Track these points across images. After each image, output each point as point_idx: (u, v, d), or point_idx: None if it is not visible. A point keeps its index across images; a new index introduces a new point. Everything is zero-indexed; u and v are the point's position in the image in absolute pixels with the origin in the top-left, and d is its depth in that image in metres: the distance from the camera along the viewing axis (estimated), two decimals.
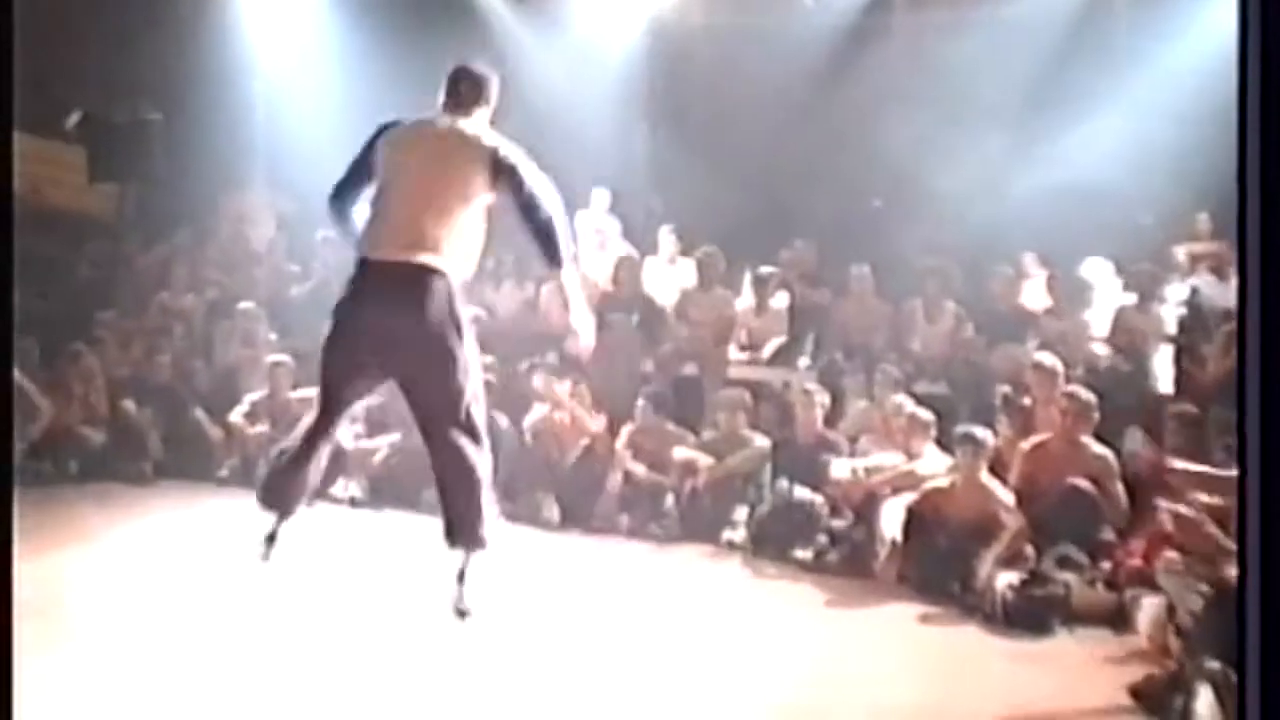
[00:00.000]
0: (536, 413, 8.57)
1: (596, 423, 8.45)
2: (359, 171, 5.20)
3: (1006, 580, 6.03)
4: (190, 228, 11.87)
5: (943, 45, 10.62)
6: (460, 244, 4.98)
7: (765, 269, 9.84)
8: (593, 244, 10.62)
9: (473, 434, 4.98)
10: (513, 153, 5.06)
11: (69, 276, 11.17)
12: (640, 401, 8.41)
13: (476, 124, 5.21)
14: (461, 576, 5.07)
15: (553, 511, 8.04)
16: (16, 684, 2.25)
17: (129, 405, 9.44)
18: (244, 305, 10.29)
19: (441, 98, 5.32)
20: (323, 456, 5.46)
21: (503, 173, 4.98)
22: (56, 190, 11.45)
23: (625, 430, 8.33)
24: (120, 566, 6.25)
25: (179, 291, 10.96)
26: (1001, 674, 5.18)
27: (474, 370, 4.98)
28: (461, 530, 5.09)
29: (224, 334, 10.36)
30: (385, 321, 4.88)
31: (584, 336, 5.22)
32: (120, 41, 11.19)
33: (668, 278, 10.43)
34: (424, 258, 4.83)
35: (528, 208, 5.00)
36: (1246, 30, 2.32)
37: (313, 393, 9.00)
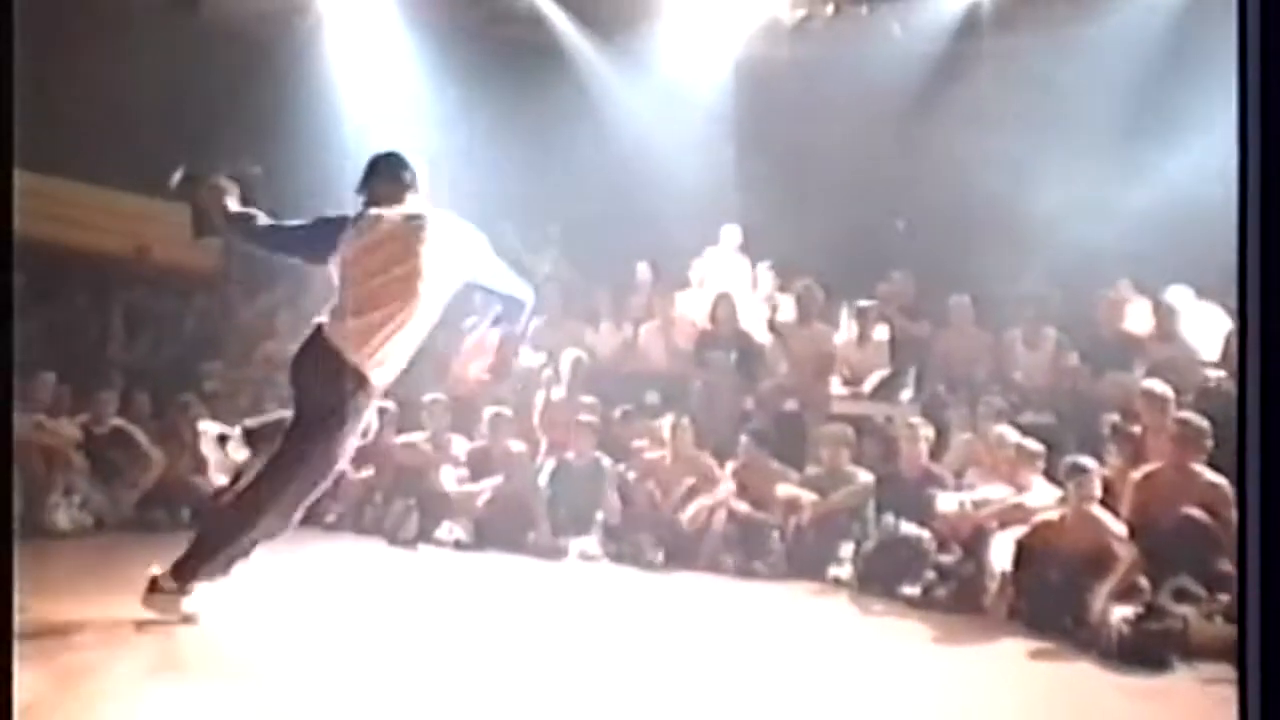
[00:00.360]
0: (638, 453, 8.59)
1: (700, 462, 8.44)
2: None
3: (1121, 614, 5.89)
4: (292, 278, 12.07)
5: (1035, 68, 10.49)
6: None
7: (864, 302, 9.80)
8: (720, 284, 10.64)
9: None
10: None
11: (177, 330, 11.43)
12: (742, 439, 8.39)
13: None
14: None
15: (657, 552, 8.03)
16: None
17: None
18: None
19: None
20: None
21: None
22: (162, 247, 11.73)
23: (728, 468, 8.31)
24: (231, 609, 6.33)
25: (284, 341, 11.12)
26: (1117, 711, 5.06)
27: None
28: None
29: None
30: None
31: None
32: (218, 99, 11.44)
33: (765, 314, 10.42)
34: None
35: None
36: (1246, 29, 2.28)
37: (418, 438, 9.18)
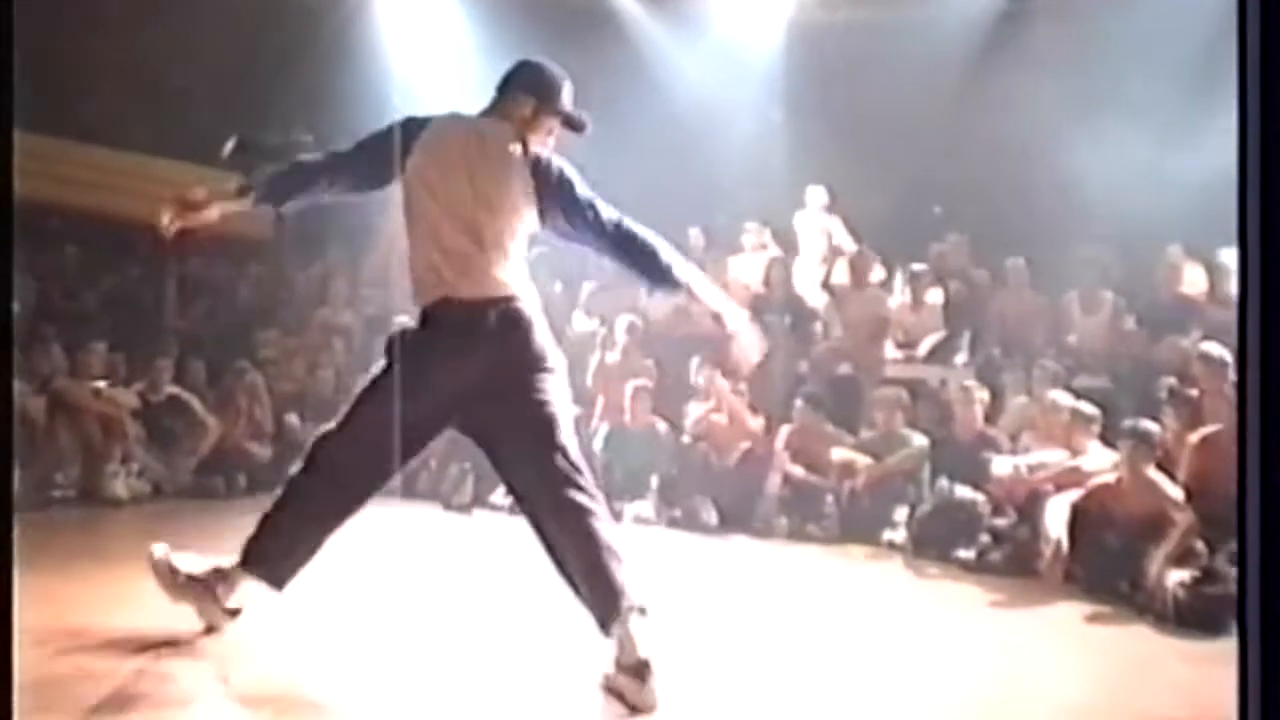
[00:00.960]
0: (696, 413, 8.60)
1: (755, 424, 8.43)
2: (371, 164, 4.74)
3: (1178, 578, 5.85)
4: (346, 245, 12.15)
5: (1092, 26, 10.36)
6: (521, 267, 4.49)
7: (917, 265, 9.74)
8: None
9: (581, 486, 4.31)
10: (565, 166, 4.59)
11: (232, 298, 11.54)
12: (798, 403, 8.37)
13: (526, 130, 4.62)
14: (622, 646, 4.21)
15: (711, 515, 8.04)
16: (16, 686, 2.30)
17: (293, 420, 9.71)
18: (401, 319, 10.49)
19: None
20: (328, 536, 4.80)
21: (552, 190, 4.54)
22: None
23: (783, 432, 8.30)
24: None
25: (338, 308, 11.21)
26: (1175, 675, 5.02)
27: (565, 413, 4.39)
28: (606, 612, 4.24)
29: (383, 349, 10.56)
30: (456, 374, 4.41)
31: (745, 340, 4.70)
32: (268, 68, 11.49)
33: (819, 277, 10.38)
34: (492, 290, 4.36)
35: (602, 227, 4.57)
36: (1246, 30, 2.25)
37: None
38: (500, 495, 8.64)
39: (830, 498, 7.93)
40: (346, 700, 4.28)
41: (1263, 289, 2.19)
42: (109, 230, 11.05)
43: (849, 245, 10.59)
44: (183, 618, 4.80)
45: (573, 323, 10.13)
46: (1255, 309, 2.19)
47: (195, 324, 11.26)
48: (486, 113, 4.70)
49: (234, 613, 4.77)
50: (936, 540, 7.28)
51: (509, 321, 4.34)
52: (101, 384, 9.10)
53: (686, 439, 8.55)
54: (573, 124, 4.82)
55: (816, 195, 10.86)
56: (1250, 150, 2.24)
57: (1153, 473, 6.39)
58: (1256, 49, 2.22)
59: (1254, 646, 2.24)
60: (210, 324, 11.28)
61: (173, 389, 9.53)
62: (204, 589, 4.72)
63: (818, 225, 10.85)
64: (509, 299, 4.36)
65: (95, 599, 5.37)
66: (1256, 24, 2.22)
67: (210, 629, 4.72)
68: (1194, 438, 6.64)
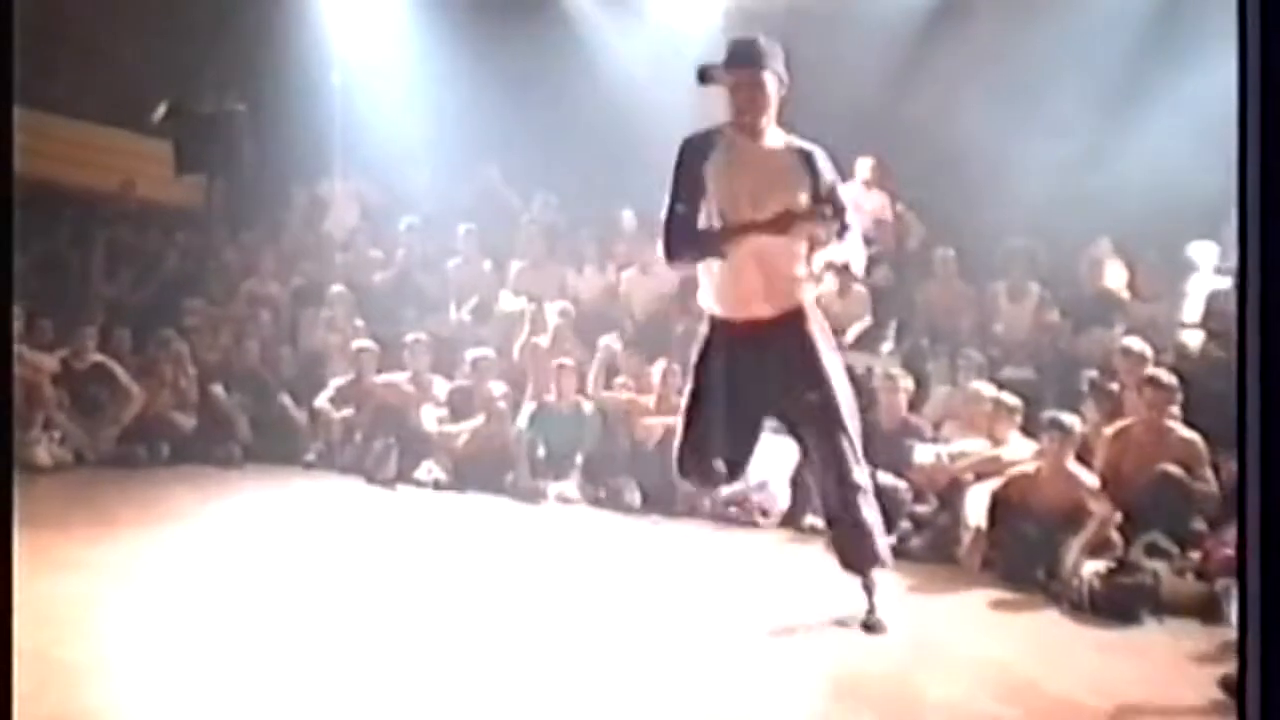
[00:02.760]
0: (621, 396, 8.62)
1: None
2: (689, 199, 5.07)
3: (1093, 568, 5.94)
4: (275, 216, 12.05)
5: (1033, 17, 10.43)
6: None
7: None
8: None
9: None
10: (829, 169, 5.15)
11: (159, 266, 11.39)
12: None
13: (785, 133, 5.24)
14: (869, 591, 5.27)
15: (635, 495, 8.06)
16: (15, 675, 2.29)
17: (218, 391, 9.63)
18: (333, 290, 10.45)
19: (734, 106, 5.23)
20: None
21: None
22: (146, 183, 11.68)
23: None
24: (211, 546, 6.37)
25: (265, 279, 11.12)
26: (1087, 662, 5.11)
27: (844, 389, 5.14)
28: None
29: (309, 321, 10.52)
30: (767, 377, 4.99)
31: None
32: (202, 35, 11.35)
33: None
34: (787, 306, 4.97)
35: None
36: (1246, 28, 2.29)
37: (399, 378, 9.20)
38: (424, 471, 8.64)
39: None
40: (264, 668, 4.27)
41: (1263, 288, 2.22)
42: (35, 195, 10.87)
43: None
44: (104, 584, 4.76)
45: (500, 301, 10.12)
46: (1255, 309, 2.22)
47: (122, 292, 11.11)
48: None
49: None
50: None
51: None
52: (21, 349, 8.98)
53: (610, 419, 8.56)
54: None
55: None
56: (1250, 149, 2.26)
57: (1072, 464, 6.49)
58: (1257, 47, 2.24)
59: (1254, 641, 2.28)
60: (137, 292, 11.14)
61: (97, 356, 9.42)
62: None
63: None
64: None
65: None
66: (1257, 22, 2.24)
67: None
68: (1109, 430, 6.75)
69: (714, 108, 11.31)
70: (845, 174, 10.20)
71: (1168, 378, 6.66)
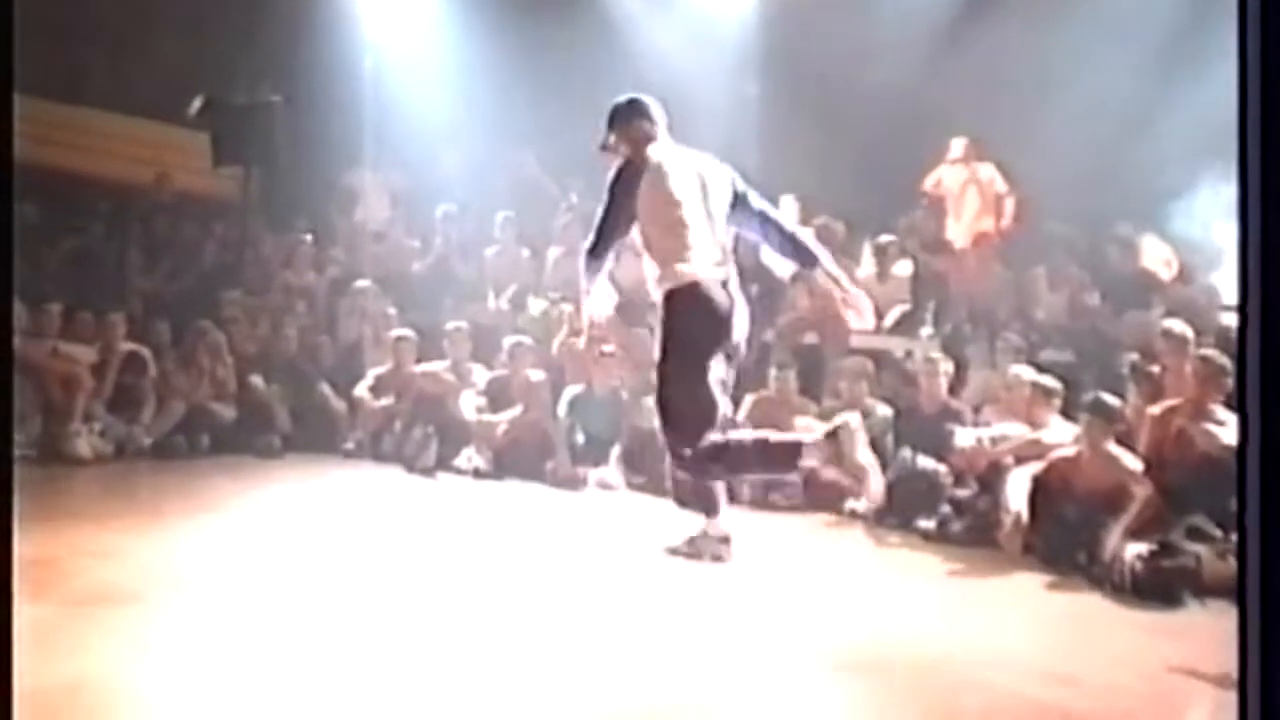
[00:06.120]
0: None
1: None
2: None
3: (1135, 551, 5.89)
4: (311, 207, 12.10)
5: (1059, 3, 10.37)
6: None
7: (885, 237, 9.75)
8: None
9: None
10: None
11: (197, 258, 11.46)
12: (772, 371, 8.37)
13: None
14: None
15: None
16: (15, 662, 2.30)
17: (257, 381, 9.68)
18: (357, 284, 10.49)
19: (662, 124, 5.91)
20: None
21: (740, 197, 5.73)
22: (183, 176, 11.75)
23: (746, 401, 8.30)
24: (252, 536, 6.40)
25: (302, 270, 11.17)
26: (1129, 644, 5.08)
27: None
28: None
29: (347, 310, 10.56)
30: None
31: (865, 316, 5.82)
32: (237, 27, 11.41)
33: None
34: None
35: (766, 222, 5.80)
36: (1246, 28, 2.26)
37: (438, 366, 9.23)
38: (464, 460, 8.66)
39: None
40: (305, 657, 4.29)
41: (1263, 288, 2.20)
42: (73, 189, 10.95)
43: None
44: (146, 575, 4.78)
45: (535, 299, 10.15)
46: (1256, 308, 2.21)
47: (159, 284, 11.18)
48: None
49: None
50: (898, 510, 7.31)
51: None
52: (58, 342, 9.06)
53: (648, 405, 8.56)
54: None
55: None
56: (1250, 147, 2.24)
57: (1112, 446, 6.44)
58: (1257, 45, 2.22)
59: (1254, 631, 2.26)
60: (174, 284, 11.20)
61: (136, 348, 9.47)
62: None
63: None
64: None
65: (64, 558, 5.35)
66: (1257, 19, 2.22)
67: None
68: (1154, 410, 6.69)
69: (747, 87, 11.29)
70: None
71: (1220, 357, 6.58)
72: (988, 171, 10.57)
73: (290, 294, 10.86)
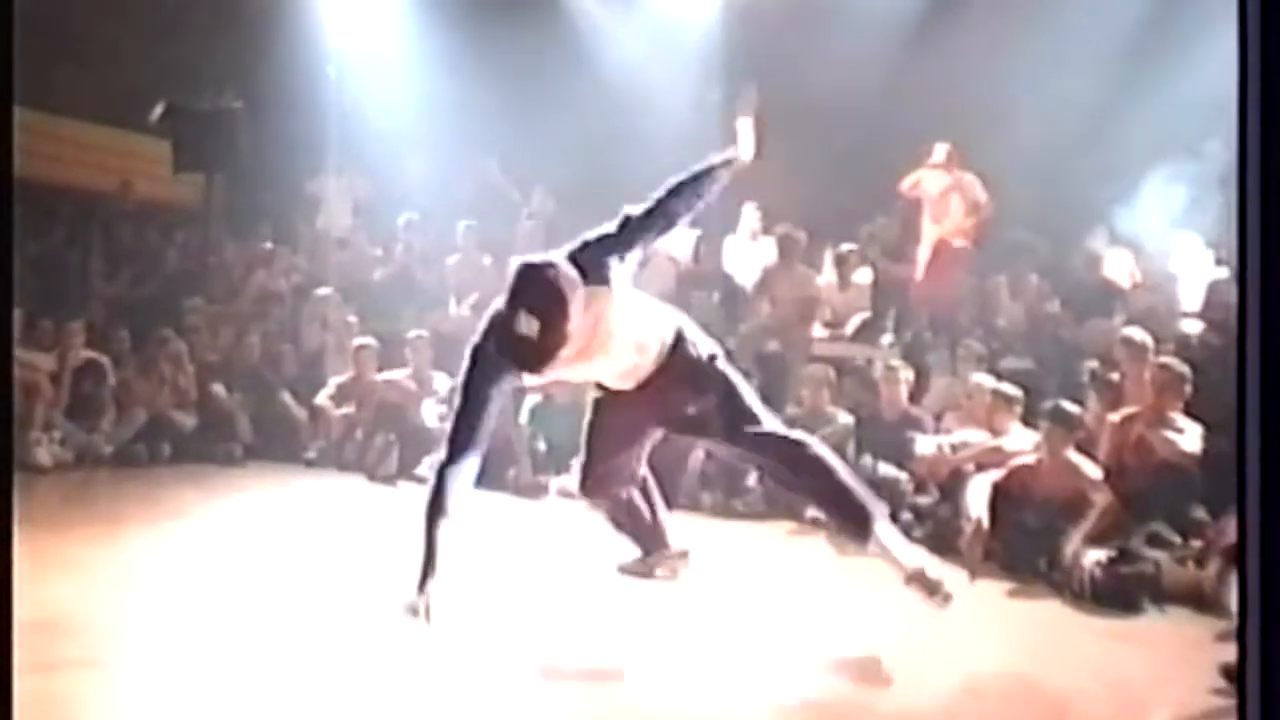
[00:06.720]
0: None
1: None
2: None
3: (1094, 558, 5.93)
4: (274, 214, 12.05)
5: (1026, 11, 10.43)
6: None
7: (846, 246, 9.79)
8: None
9: None
10: None
11: (159, 265, 11.40)
12: None
13: None
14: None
15: None
16: (16, 674, 2.30)
17: (219, 389, 9.63)
18: (318, 292, 10.45)
19: None
20: None
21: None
22: (146, 183, 11.68)
23: None
24: (213, 544, 6.37)
25: (265, 277, 11.12)
26: (1089, 651, 5.11)
27: None
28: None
29: (309, 318, 10.52)
30: None
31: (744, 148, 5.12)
32: (199, 33, 11.35)
33: (749, 255, 10.40)
34: None
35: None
36: (1246, 26, 2.28)
37: (399, 374, 9.21)
38: (426, 468, 8.62)
39: (754, 474, 7.95)
40: (267, 666, 4.27)
41: (1263, 287, 2.22)
42: (33, 196, 10.86)
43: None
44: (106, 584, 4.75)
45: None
46: (1255, 307, 2.22)
47: (121, 291, 11.10)
48: None
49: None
50: None
51: None
52: (20, 350, 8.98)
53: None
54: None
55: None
56: (1251, 148, 2.26)
57: (1073, 454, 6.48)
58: (1257, 45, 2.24)
59: (1253, 633, 2.28)
60: (136, 291, 11.13)
61: (96, 355, 9.42)
62: None
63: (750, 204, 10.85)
64: None
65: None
66: (1257, 19, 2.24)
67: None
68: (1114, 417, 6.74)
69: (710, 94, 11.30)
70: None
71: (1179, 365, 6.64)
72: (971, 179, 10.61)
73: (252, 302, 10.81)
